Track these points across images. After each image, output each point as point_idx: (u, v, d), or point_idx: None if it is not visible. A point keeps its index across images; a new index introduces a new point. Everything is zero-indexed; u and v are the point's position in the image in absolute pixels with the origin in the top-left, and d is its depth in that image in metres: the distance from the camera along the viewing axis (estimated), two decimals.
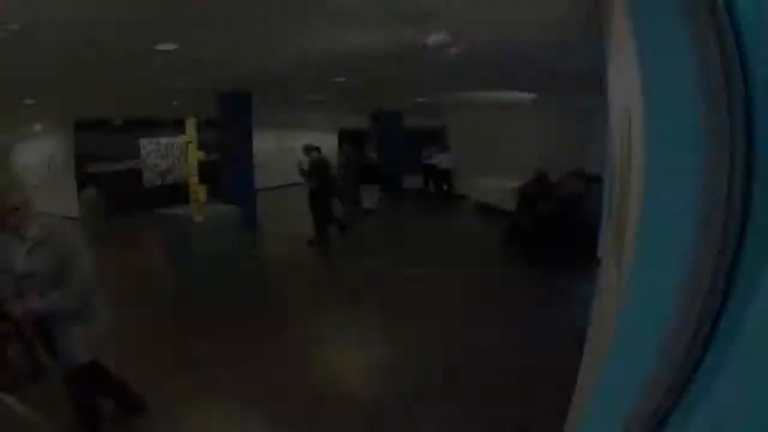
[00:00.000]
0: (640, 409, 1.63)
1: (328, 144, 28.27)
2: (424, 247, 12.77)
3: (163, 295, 9.31)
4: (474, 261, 10.70)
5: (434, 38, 6.42)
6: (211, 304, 8.49)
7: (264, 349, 6.68)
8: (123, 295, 8.96)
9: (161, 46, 7.72)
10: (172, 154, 22.75)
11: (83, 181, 16.82)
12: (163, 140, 22.55)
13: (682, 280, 1.17)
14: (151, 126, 21.79)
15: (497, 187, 17.00)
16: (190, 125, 9.68)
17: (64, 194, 19.16)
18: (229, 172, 14.12)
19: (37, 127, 20.56)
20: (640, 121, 1.70)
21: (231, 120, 14.03)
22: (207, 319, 7.88)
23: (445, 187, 21.71)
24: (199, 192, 9.70)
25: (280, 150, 25.61)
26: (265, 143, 19.96)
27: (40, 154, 22.39)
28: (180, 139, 9.73)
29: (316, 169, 12.37)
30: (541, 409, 4.90)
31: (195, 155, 9.74)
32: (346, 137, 29.85)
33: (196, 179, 9.78)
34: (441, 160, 21.49)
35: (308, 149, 12.53)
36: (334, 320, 7.76)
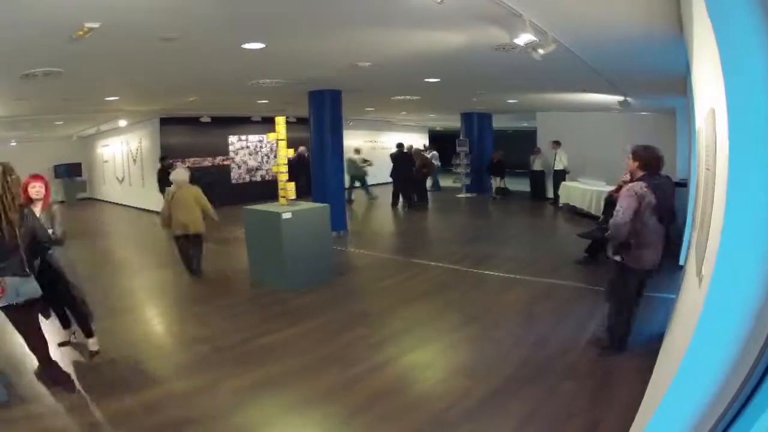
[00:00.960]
0: (709, 413, 1.63)
1: (420, 143, 28.42)
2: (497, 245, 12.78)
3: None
4: (541, 265, 10.48)
5: (524, 38, 6.36)
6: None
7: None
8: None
9: (249, 45, 7.81)
10: (261, 151, 23.07)
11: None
12: (252, 138, 22.94)
13: (761, 290, 1.16)
14: (240, 123, 22.25)
15: (585, 191, 16.65)
16: (280, 123, 9.69)
17: (148, 188, 19.71)
18: (318, 169, 14.14)
19: (122, 122, 21.22)
20: (724, 122, 1.69)
21: (320, 118, 13.99)
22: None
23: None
24: (288, 189, 9.73)
25: (372, 149, 25.76)
26: (355, 141, 20.08)
27: (124, 149, 23.05)
28: (269, 137, 9.75)
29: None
30: (612, 407, 4.90)
31: (285, 152, 9.74)
32: (433, 139, 30.07)
33: (285, 176, 9.78)
34: (533, 161, 21.19)
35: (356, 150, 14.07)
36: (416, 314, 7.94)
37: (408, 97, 16.72)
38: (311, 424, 5.11)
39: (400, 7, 5.91)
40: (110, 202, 25.26)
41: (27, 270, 5.49)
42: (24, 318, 5.83)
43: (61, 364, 6.40)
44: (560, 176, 19.82)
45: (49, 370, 6.25)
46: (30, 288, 5.58)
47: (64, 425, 5.43)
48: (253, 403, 5.48)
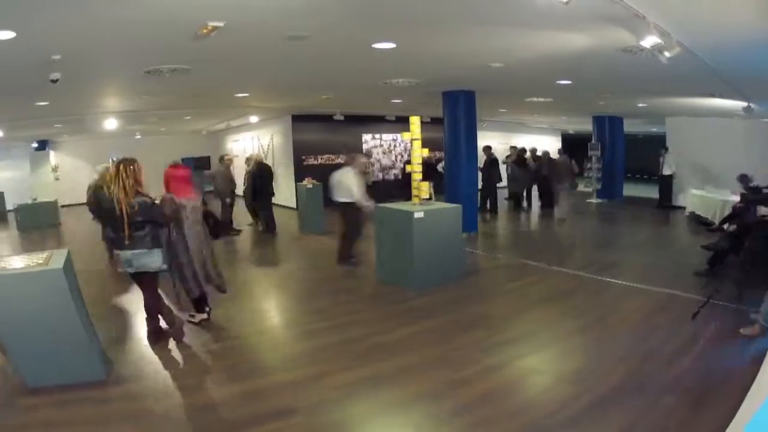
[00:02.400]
0: None
1: (554, 146, 28.13)
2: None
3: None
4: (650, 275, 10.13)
5: (649, 40, 6.35)
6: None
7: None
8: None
9: (379, 45, 7.92)
10: (395, 150, 23.39)
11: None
12: (386, 136, 23.22)
13: None
14: (374, 122, 22.53)
15: (711, 200, 15.97)
16: (415, 122, 9.77)
17: (279, 183, 20.18)
18: (452, 170, 14.17)
19: (253, 118, 21.81)
20: None
21: (455, 118, 13.99)
22: None
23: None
24: (422, 189, 9.82)
25: (504, 151, 25.74)
26: (487, 143, 20.06)
27: (255, 145, 23.64)
28: (403, 136, 9.90)
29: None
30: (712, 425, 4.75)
31: (419, 152, 9.82)
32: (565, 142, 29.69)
33: (419, 176, 9.89)
34: (662, 164, 20.32)
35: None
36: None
37: (540, 99, 16.58)
38: (409, 423, 5.17)
39: (527, 6, 5.87)
40: (239, 196, 26.05)
41: (148, 245, 6.79)
42: (143, 285, 7.21)
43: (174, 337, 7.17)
44: (668, 181, 19.47)
45: (153, 336, 7.40)
46: (146, 261, 6.87)
47: (158, 407, 5.70)
48: (357, 399, 5.58)
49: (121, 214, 6.58)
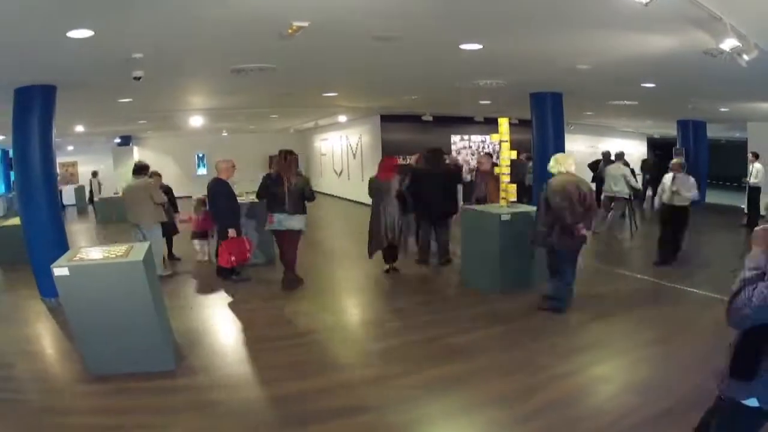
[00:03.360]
0: None
1: (639, 150, 27.55)
2: None
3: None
4: None
5: (728, 43, 6.19)
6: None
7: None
8: None
9: (466, 46, 7.87)
10: (483, 151, 23.14)
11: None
12: (475, 138, 23.05)
13: None
14: (462, 123, 22.31)
15: None
16: (503, 124, 9.67)
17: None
18: (540, 173, 13.50)
19: (341, 118, 21.95)
20: None
21: (542, 121, 13.74)
22: None
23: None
24: (509, 191, 9.72)
25: (591, 155, 25.37)
26: (575, 146, 19.73)
27: (344, 144, 23.83)
28: (492, 138, 9.85)
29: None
30: None
31: (507, 154, 9.72)
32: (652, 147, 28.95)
33: (507, 178, 9.78)
34: (750, 173, 19.45)
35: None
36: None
37: (625, 102, 16.26)
38: (474, 428, 5.20)
39: (609, 8, 5.83)
40: (325, 194, 26.22)
41: (294, 210, 9.49)
42: (284, 240, 9.91)
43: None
44: (756, 192, 18.14)
45: (288, 280, 10.02)
46: (291, 222, 9.51)
47: (225, 400, 5.83)
48: (427, 400, 5.58)
49: (282, 187, 9.37)
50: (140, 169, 11.78)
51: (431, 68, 9.95)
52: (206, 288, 10.44)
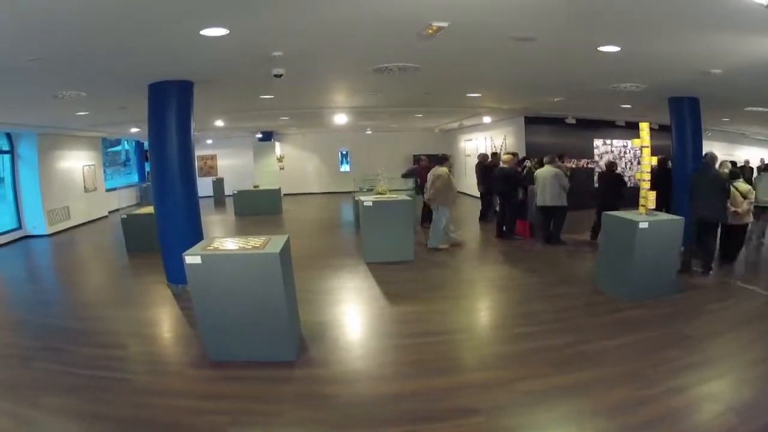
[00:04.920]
0: None
1: None
2: None
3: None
4: None
5: None
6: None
7: None
8: None
9: (605, 48, 7.69)
10: (624, 157, 22.55)
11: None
12: (617, 142, 22.41)
13: None
14: (604, 127, 21.70)
15: None
16: (645, 129, 9.44)
17: None
18: (680, 181, 13.16)
19: (486, 119, 21.72)
20: None
21: (680, 126, 13.30)
22: None
23: None
24: (649, 198, 9.43)
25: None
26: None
27: (488, 145, 23.71)
28: (633, 143, 9.55)
29: None
30: None
31: (648, 160, 9.45)
32: None
33: (647, 185, 9.49)
34: None
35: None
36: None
37: (760, 109, 15.64)
38: None
39: (734, 9, 5.58)
40: (468, 194, 26.12)
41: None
42: (550, 216, 13.42)
43: None
44: None
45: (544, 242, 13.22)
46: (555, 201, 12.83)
47: (340, 393, 5.90)
48: (541, 407, 5.56)
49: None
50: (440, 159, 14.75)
51: (570, 70, 9.76)
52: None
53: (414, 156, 27.46)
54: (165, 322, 8.86)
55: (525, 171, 15.57)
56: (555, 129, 20.36)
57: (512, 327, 8.02)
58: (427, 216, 16.28)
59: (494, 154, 19.12)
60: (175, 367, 6.94)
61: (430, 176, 13.75)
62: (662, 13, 5.94)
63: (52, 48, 6.70)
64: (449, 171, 13.88)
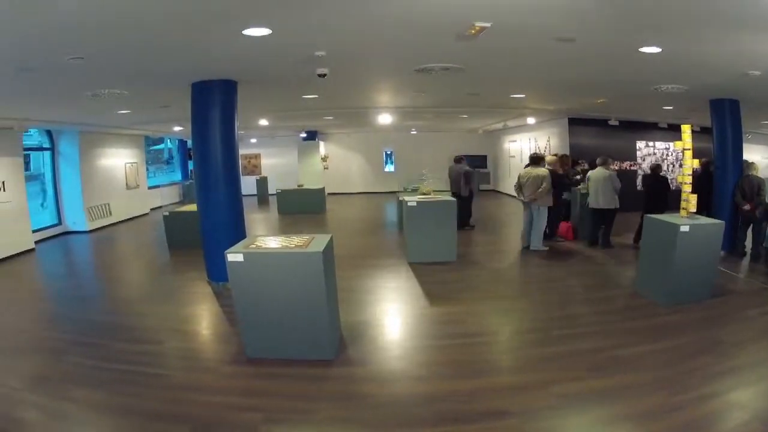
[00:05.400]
0: None
1: None
2: None
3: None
4: None
5: None
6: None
7: None
8: None
9: (646, 49, 7.66)
10: (667, 159, 22.34)
11: None
12: (659, 144, 22.23)
13: None
14: (647, 129, 21.59)
15: None
16: (686, 132, 9.28)
17: None
18: (720, 183, 13.27)
19: (530, 120, 21.65)
20: None
21: (721, 128, 13.21)
22: None
23: None
24: (691, 201, 9.28)
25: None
26: (752, 156, 18.64)
27: (532, 146, 23.65)
28: (676, 145, 9.47)
29: None
30: None
31: (690, 163, 9.32)
32: None
33: (689, 188, 9.36)
34: None
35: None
36: None
37: None
38: None
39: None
40: (511, 196, 26.04)
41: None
42: (603, 218, 13.32)
43: None
44: None
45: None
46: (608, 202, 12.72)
47: (375, 393, 5.96)
48: (573, 411, 5.57)
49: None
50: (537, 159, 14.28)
51: (612, 71, 9.74)
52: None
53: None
54: (203, 318, 8.96)
55: (577, 173, 15.66)
56: (598, 130, 20.46)
57: (550, 329, 7.97)
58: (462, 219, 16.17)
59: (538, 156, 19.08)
60: (211, 363, 7.04)
61: (528, 176, 13.63)
62: (703, 14, 5.91)
63: (93, 47, 6.83)
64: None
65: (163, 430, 5.34)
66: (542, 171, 13.53)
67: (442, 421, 5.34)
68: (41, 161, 19.59)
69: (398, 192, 20.10)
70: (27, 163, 18.57)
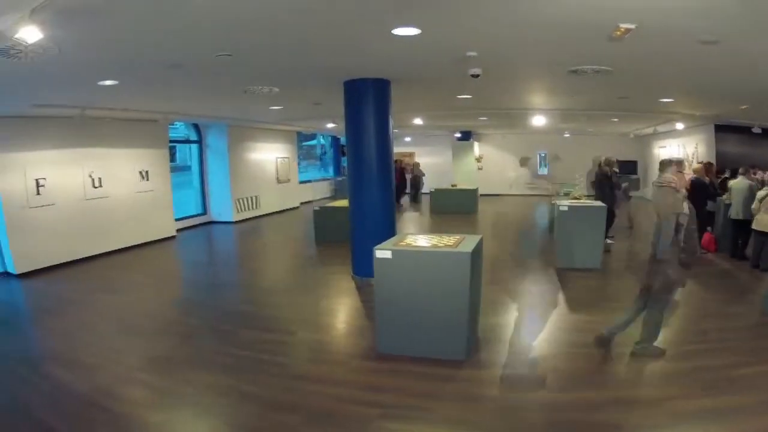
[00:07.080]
0: None
1: None
2: None
3: None
4: None
5: None
6: None
7: None
8: None
9: None
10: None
11: None
12: None
13: None
14: None
15: None
16: None
17: None
18: None
19: (679, 125, 21.06)
20: None
21: None
22: None
23: None
24: None
25: None
26: None
27: (681, 153, 22.86)
28: None
29: None
30: None
31: None
32: None
33: None
34: None
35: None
36: None
37: None
38: None
39: None
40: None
41: None
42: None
43: None
44: None
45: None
46: None
47: (497, 396, 6.01)
48: (680, 428, 5.38)
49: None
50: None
51: (754, 76, 9.42)
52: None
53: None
54: (341, 312, 9.23)
55: (721, 181, 14.99)
56: (744, 138, 19.34)
57: (678, 344, 7.69)
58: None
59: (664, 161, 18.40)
60: (339, 356, 7.25)
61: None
62: None
63: (245, 44, 7.14)
64: None
65: (278, 419, 5.56)
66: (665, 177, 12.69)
67: (549, 429, 5.36)
68: (188, 153, 20.47)
69: (551, 195, 19.96)
70: (173, 155, 19.45)
